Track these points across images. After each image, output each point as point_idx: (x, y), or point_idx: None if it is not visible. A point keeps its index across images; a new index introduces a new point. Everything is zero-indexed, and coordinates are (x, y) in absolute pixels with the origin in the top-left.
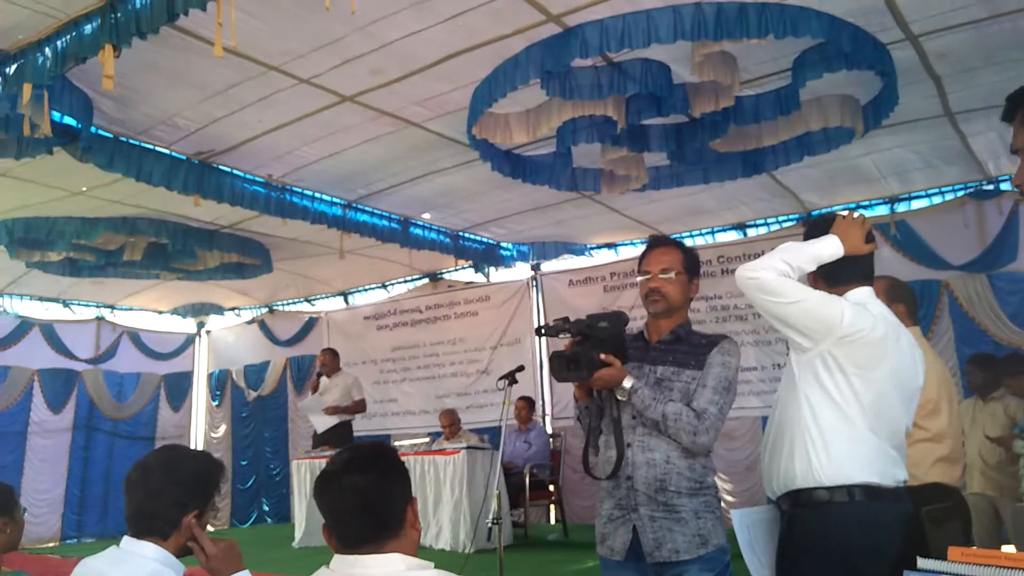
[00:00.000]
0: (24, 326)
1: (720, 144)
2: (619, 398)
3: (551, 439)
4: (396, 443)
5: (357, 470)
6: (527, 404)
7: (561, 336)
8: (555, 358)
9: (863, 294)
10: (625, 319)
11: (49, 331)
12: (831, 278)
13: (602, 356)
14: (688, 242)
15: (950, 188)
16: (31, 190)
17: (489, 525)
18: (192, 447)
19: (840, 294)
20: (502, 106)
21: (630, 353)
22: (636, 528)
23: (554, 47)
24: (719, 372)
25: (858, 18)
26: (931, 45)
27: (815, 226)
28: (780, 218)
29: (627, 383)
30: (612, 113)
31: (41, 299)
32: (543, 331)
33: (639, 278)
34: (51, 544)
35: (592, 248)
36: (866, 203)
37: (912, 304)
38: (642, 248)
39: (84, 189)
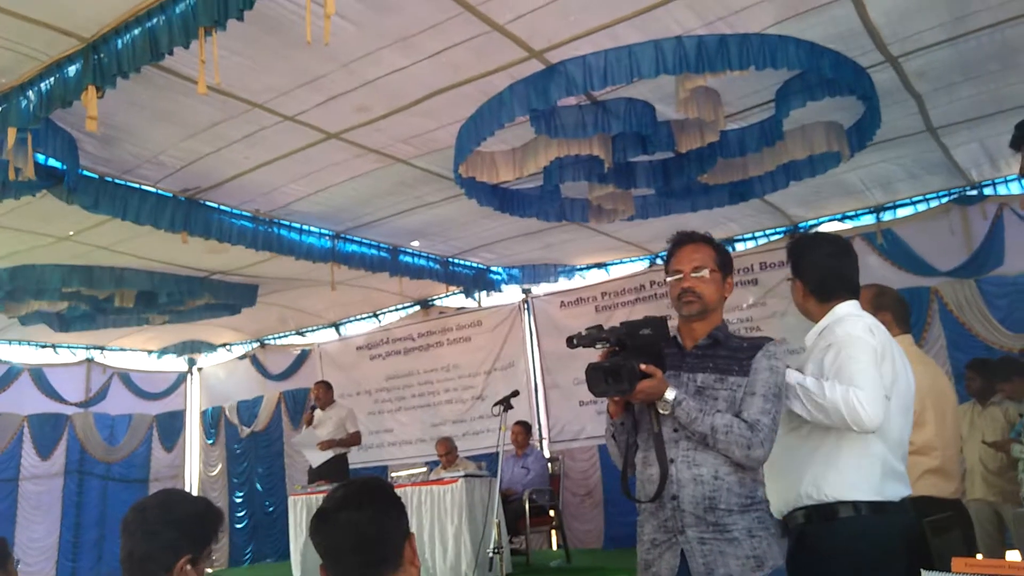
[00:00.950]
0: (13, 371)
1: (707, 177)
2: (660, 411)
3: (549, 463)
4: (393, 474)
5: (352, 506)
6: (524, 429)
7: (598, 346)
8: (593, 371)
9: (849, 307)
10: (668, 325)
11: (38, 375)
12: (820, 294)
13: (642, 366)
14: None
15: (934, 195)
16: (17, 238)
17: (491, 555)
18: (188, 488)
19: (828, 308)
20: (488, 144)
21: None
22: (684, 552)
23: (538, 84)
24: (767, 378)
25: (837, 43)
26: (910, 65)
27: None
28: (768, 231)
29: (670, 394)
30: (598, 152)
31: (30, 343)
32: (575, 341)
33: (669, 278)
34: None
35: (582, 269)
36: (852, 213)
37: (900, 311)
38: (641, 264)
39: (71, 234)
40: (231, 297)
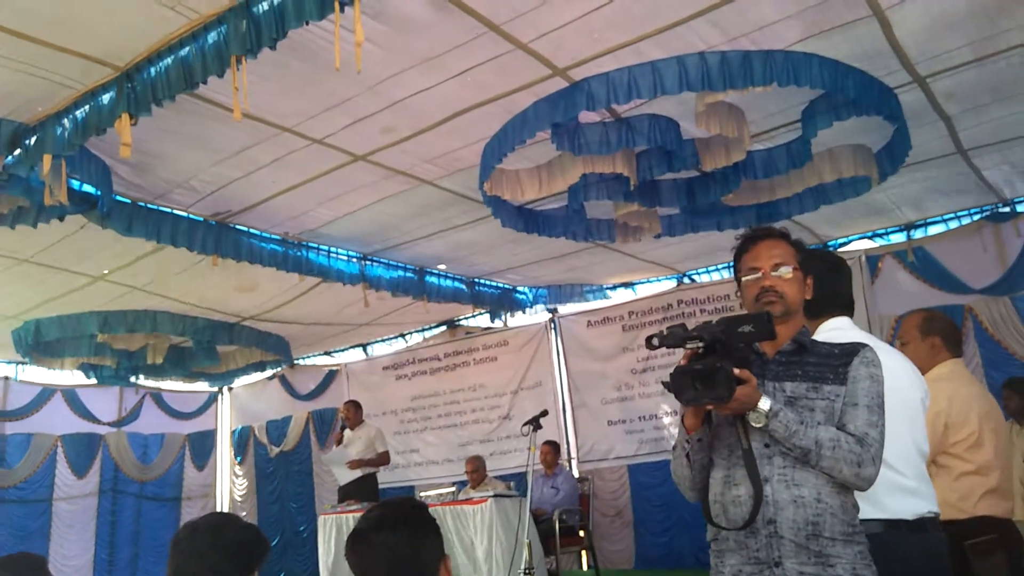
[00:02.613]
0: (46, 393)
1: (732, 198)
2: (752, 424)
3: (579, 483)
4: (422, 494)
5: (388, 528)
6: (552, 448)
7: (688, 346)
8: (681, 375)
9: (840, 322)
10: (773, 322)
11: (72, 396)
12: (811, 311)
13: (735, 371)
14: (704, 278)
15: (966, 212)
16: (52, 279)
17: (522, 575)
18: (218, 506)
19: (817, 324)
20: (513, 162)
21: None
22: None
23: (561, 100)
24: (869, 387)
25: (863, 62)
26: (939, 86)
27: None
28: None
29: (764, 404)
30: (623, 169)
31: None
32: (657, 341)
33: (746, 277)
34: None
35: (609, 288)
36: (882, 231)
37: (949, 335)
38: (669, 284)
39: (105, 272)
40: (266, 347)
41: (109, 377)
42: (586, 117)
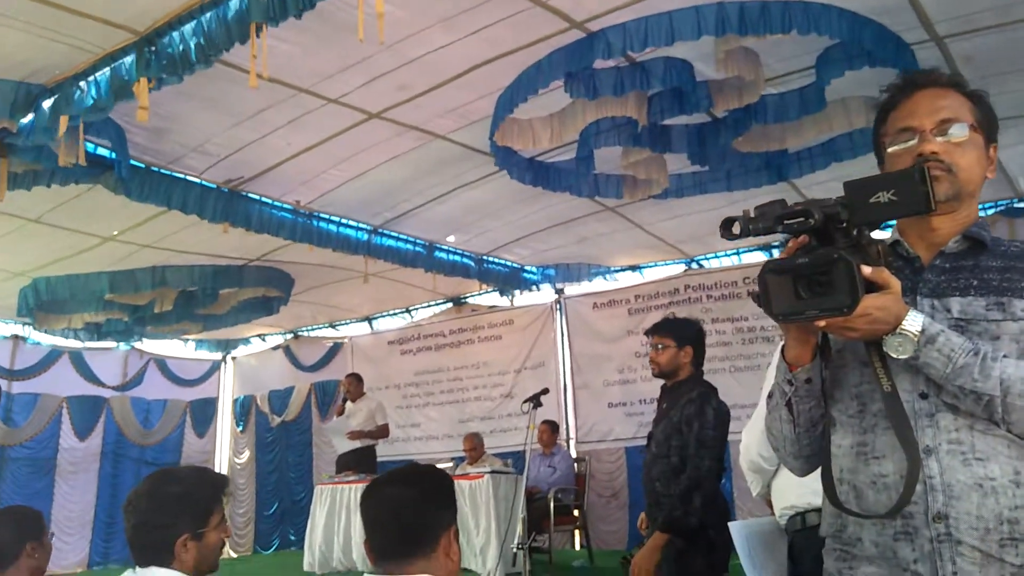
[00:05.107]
0: (54, 354)
1: (742, 143)
2: (894, 354)
3: (575, 463)
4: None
5: (400, 483)
6: (550, 428)
7: (784, 225)
8: (776, 274)
9: None
10: (928, 188)
11: (78, 359)
12: None
13: (866, 270)
14: (714, 263)
15: (980, 207)
16: (63, 239)
17: (515, 551)
18: (198, 467)
19: None
20: (526, 112)
21: None
22: None
23: (577, 50)
24: None
25: (882, 16)
26: (957, 47)
27: None
28: None
29: (913, 322)
30: (633, 113)
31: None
32: (739, 227)
33: (893, 146)
34: (79, 570)
35: (616, 271)
36: (892, 222)
37: None
38: (676, 268)
39: (116, 233)
40: (269, 285)
41: (115, 333)
42: (600, 64)
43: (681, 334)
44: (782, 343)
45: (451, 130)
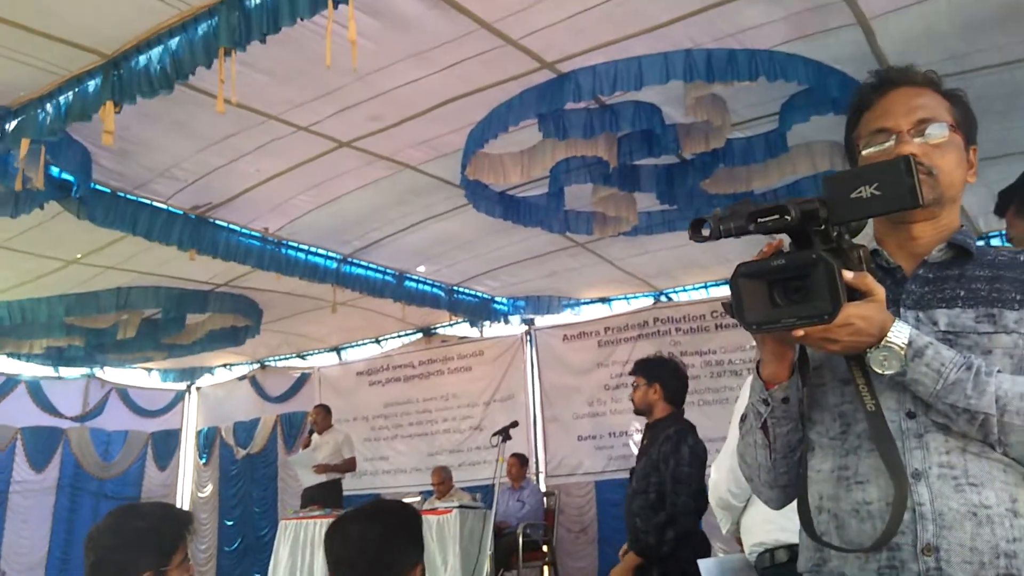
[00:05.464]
0: (10, 383)
1: (710, 185)
2: (877, 370)
3: (545, 497)
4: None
5: (365, 520)
6: (519, 461)
7: (757, 223)
8: (750, 278)
9: None
10: (916, 183)
11: (35, 388)
12: None
13: (848, 275)
14: (683, 296)
15: None
16: (25, 264)
17: None
18: (162, 503)
19: None
20: (496, 147)
21: None
22: None
23: (548, 90)
24: None
25: (846, 64)
26: None
27: None
28: None
29: (900, 334)
30: (604, 153)
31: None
32: (708, 228)
33: (868, 148)
34: None
35: (586, 303)
36: None
37: None
38: (645, 300)
39: (79, 256)
40: (237, 312)
41: (76, 359)
42: (571, 105)
43: (650, 372)
44: (755, 360)
45: (422, 161)
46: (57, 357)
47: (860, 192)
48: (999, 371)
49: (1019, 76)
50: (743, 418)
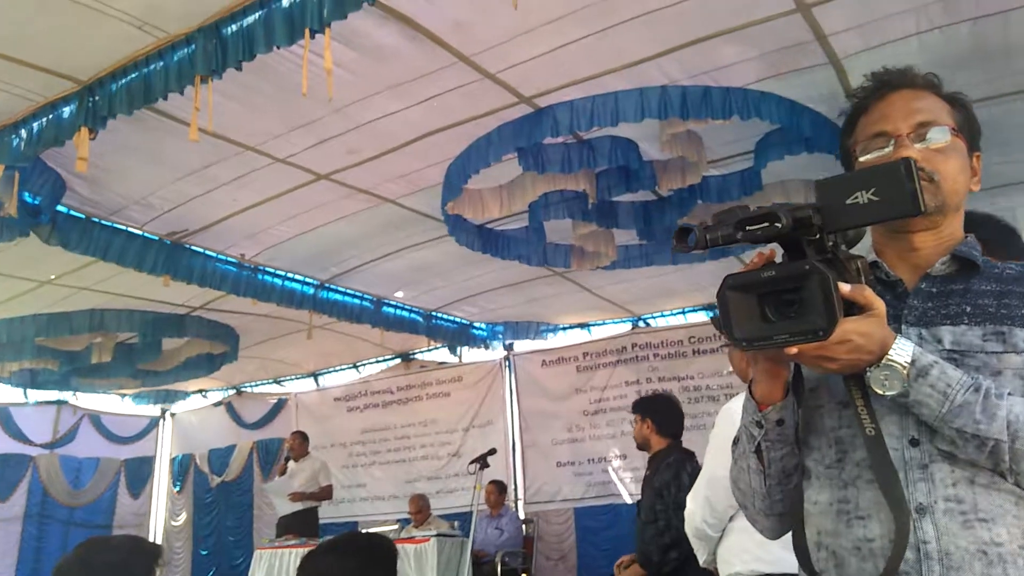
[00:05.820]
0: None
1: (687, 221)
2: (878, 390)
3: (523, 525)
4: (364, 531)
5: (337, 552)
6: (497, 488)
7: (745, 232)
8: (740, 290)
9: None
10: (918, 188)
11: (5, 415)
12: None
13: (844, 288)
14: (660, 322)
15: None
16: None
17: None
18: (152, 537)
19: None
20: (477, 182)
21: None
22: None
23: (525, 125)
24: None
25: (818, 104)
26: None
27: None
28: None
29: (902, 352)
30: (583, 186)
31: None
32: (694, 237)
33: (865, 155)
34: None
35: (565, 328)
36: None
37: None
38: (624, 327)
39: (53, 277)
40: (213, 338)
41: (48, 383)
42: (550, 140)
43: (643, 408)
44: (748, 380)
45: (400, 195)
46: (30, 381)
47: (857, 198)
48: (1010, 394)
49: (995, 112)
50: (735, 441)
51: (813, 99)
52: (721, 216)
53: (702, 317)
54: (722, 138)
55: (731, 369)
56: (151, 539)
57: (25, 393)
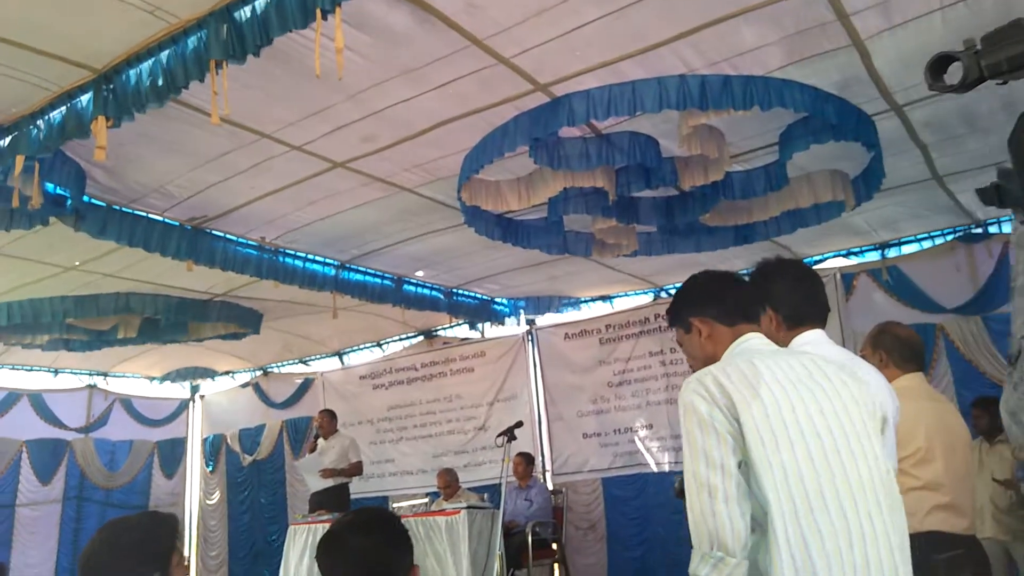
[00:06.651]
0: (12, 397)
1: (710, 218)
2: None
3: (553, 495)
4: (395, 505)
5: (361, 532)
6: (525, 460)
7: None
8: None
9: (812, 336)
10: None
11: (38, 401)
12: (792, 320)
13: None
14: None
15: (940, 233)
16: (24, 268)
17: None
18: (187, 516)
19: (792, 336)
20: (494, 173)
21: None
22: None
23: (542, 115)
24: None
25: (842, 90)
26: (916, 115)
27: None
28: None
29: None
30: (603, 183)
31: (31, 368)
32: (958, 66)
33: None
34: None
35: (586, 301)
36: (856, 249)
37: (897, 348)
38: (646, 297)
39: (77, 264)
40: (237, 321)
41: (84, 343)
42: (567, 132)
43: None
44: None
45: (418, 184)
46: (63, 344)
47: None
48: None
49: (1017, 87)
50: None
51: (836, 84)
52: (1003, 31)
53: None
54: (744, 132)
55: None
56: (186, 518)
57: (55, 373)
